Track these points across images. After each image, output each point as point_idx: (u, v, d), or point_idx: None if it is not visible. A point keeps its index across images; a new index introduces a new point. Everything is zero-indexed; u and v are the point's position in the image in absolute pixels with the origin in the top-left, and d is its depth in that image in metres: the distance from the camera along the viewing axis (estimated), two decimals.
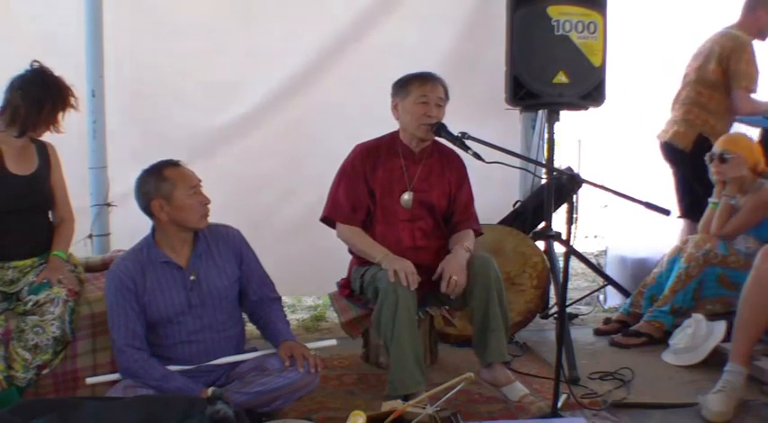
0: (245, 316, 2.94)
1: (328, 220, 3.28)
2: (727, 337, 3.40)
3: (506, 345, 3.04)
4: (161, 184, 2.67)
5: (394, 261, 2.99)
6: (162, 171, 2.69)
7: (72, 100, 2.98)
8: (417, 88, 3.13)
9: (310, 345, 2.84)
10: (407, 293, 2.91)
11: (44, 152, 3.06)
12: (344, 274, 3.37)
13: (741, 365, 3.02)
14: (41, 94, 2.89)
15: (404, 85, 3.17)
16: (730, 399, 2.94)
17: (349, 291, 3.30)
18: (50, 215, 3.11)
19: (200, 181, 2.74)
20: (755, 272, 3.05)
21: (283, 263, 3.57)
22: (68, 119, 3.08)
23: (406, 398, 2.72)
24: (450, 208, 3.27)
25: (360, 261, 3.22)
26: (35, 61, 2.96)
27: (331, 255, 3.53)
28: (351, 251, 3.29)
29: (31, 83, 2.90)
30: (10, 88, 2.91)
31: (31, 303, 2.80)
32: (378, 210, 3.20)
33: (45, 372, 2.81)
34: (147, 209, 2.70)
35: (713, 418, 2.91)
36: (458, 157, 3.31)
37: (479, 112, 4.19)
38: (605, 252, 4.64)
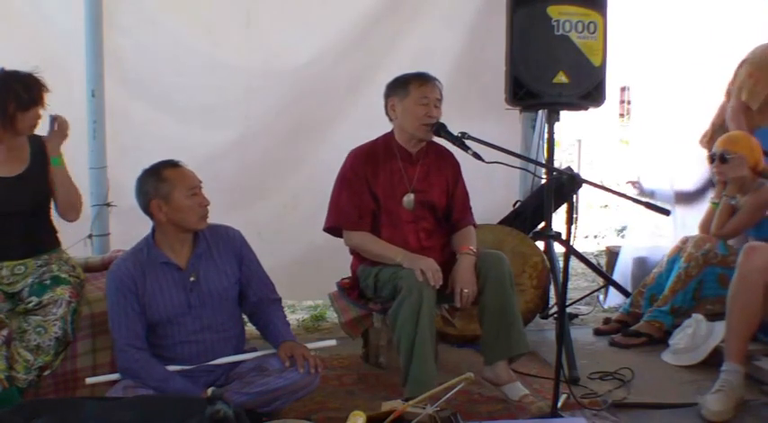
0: (245, 317, 2.94)
1: (333, 229, 3.25)
2: None
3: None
4: (160, 185, 2.67)
5: (417, 260, 2.98)
6: (161, 171, 2.69)
7: (41, 92, 2.86)
8: (417, 89, 3.12)
9: (310, 345, 2.84)
10: (431, 294, 2.91)
11: (39, 147, 2.98)
12: (344, 276, 3.37)
13: (737, 364, 3.04)
14: None
15: (403, 86, 3.15)
16: (729, 398, 2.95)
17: (357, 291, 3.28)
18: (52, 216, 3.05)
19: (200, 182, 2.74)
20: (739, 271, 3.09)
21: (285, 268, 3.57)
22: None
23: (407, 398, 2.72)
24: (449, 205, 3.28)
25: (366, 261, 3.20)
26: None
27: (332, 260, 3.52)
28: (353, 252, 3.28)
29: None
30: None
31: (33, 304, 2.80)
32: (382, 214, 3.18)
33: (46, 373, 2.81)
34: (146, 209, 2.70)
35: (713, 418, 2.91)
36: (451, 154, 3.31)
37: (479, 112, 4.19)
38: (618, 253, 4.62)
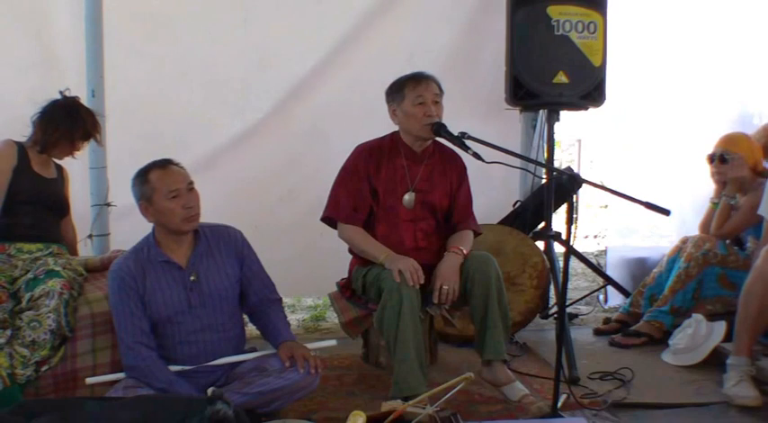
0: (245, 317, 2.94)
1: (329, 219, 3.27)
2: (727, 338, 3.41)
3: (505, 343, 3.05)
4: (143, 187, 2.68)
5: (397, 260, 2.99)
6: (146, 173, 2.69)
7: (96, 134, 3.22)
8: (412, 90, 3.13)
9: (310, 345, 2.84)
10: (412, 294, 2.91)
11: (60, 170, 3.29)
12: (344, 275, 3.37)
13: (747, 358, 3.05)
14: (59, 120, 3.11)
15: (398, 90, 3.16)
16: (753, 385, 2.98)
17: (350, 291, 3.30)
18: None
19: (187, 182, 2.71)
20: (758, 272, 3.07)
21: (283, 264, 3.57)
22: None
23: (406, 398, 2.72)
24: (451, 208, 3.27)
25: (361, 261, 3.22)
26: (67, 89, 3.19)
27: (331, 255, 3.53)
28: (351, 251, 3.28)
29: (56, 108, 3.14)
30: (41, 109, 3.15)
31: (26, 300, 2.83)
32: (380, 210, 3.19)
33: (44, 368, 2.81)
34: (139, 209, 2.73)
35: (752, 403, 2.94)
36: (458, 157, 3.30)
37: (479, 112, 4.19)
38: (605, 252, 4.63)
